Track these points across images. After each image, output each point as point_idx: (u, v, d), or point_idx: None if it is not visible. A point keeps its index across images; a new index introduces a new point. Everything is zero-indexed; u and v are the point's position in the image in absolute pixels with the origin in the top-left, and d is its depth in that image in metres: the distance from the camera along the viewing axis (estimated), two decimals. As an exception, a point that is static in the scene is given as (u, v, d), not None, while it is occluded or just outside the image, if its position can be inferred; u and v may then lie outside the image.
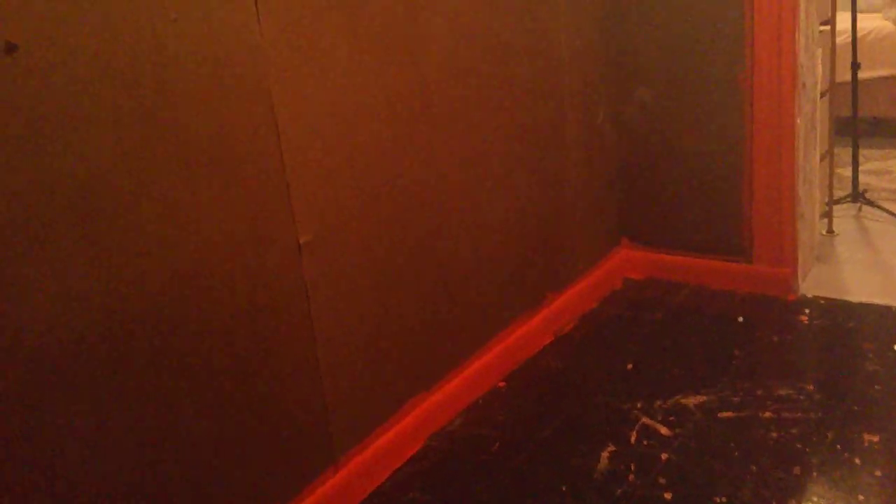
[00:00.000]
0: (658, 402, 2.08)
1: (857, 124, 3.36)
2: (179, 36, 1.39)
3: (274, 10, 1.55)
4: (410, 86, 1.91)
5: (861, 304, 2.53)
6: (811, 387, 2.09)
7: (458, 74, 2.06)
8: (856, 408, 1.98)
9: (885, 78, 4.10)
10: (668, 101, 2.73)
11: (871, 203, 3.29)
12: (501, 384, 2.27)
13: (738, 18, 2.52)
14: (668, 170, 2.80)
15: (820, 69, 2.82)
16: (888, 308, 2.48)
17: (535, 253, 2.47)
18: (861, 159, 3.51)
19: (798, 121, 2.56)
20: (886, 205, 3.30)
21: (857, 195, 3.32)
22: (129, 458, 1.37)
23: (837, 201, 3.28)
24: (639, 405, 2.08)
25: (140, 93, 1.34)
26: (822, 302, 2.58)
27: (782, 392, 2.07)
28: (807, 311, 2.53)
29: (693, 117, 2.70)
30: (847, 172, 3.47)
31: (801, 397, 2.04)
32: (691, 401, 2.07)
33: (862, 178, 3.55)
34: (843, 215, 3.27)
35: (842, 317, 2.47)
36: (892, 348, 2.25)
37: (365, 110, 1.79)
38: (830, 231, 3.11)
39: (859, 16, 4.19)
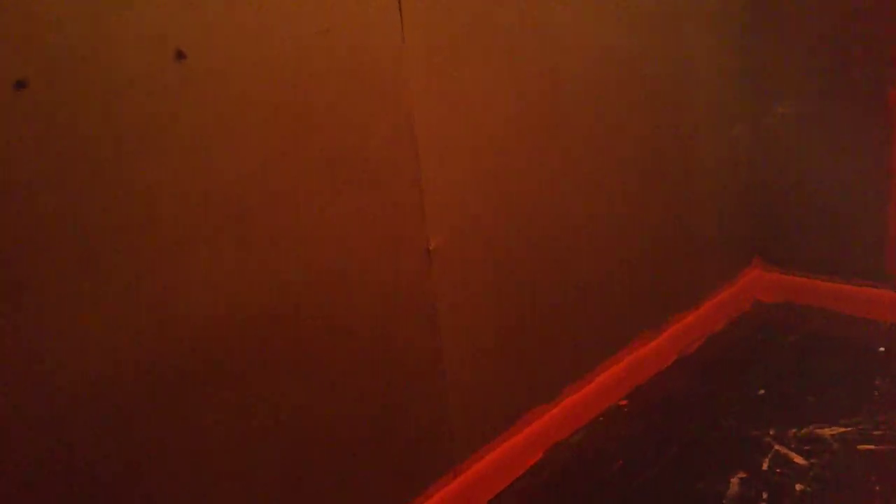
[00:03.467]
0: (792, 431, 1.99)
1: None
2: (328, 48, 1.45)
3: (417, 25, 1.60)
4: (543, 99, 1.92)
5: None
6: (964, 423, 1.95)
7: (591, 88, 2.05)
8: None
9: None
10: (810, 118, 2.61)
11: None
12: (623, 402, 2.23)
13: (889, 32, 2.39)
14: (808, 189, 2.68)
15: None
16: None
17: (662, 270, 2.42)
18: None
19: (954, 140, 2.40)
20: None
21: None
22: (264, 450, 1.43)
23: None
24: (771, 432, 1.99)
25: (289, 100, 1.41)
26: (978, 335, 2.40)
27: (930, 427, 1.94)
28: (959, 342, 2.36)
29: (836, 135, 2.57)
30: None
31: (953, 434, 1.90)
32: (828, 431, 1.97)
33: None
34: None
35: None
36: None
37: (498, 123, 1.81)
38: None
39: None
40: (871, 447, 1.89)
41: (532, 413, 2.00)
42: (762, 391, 2.20)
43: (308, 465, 1.50)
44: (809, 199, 2.68)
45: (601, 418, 2.15)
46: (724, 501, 1.75)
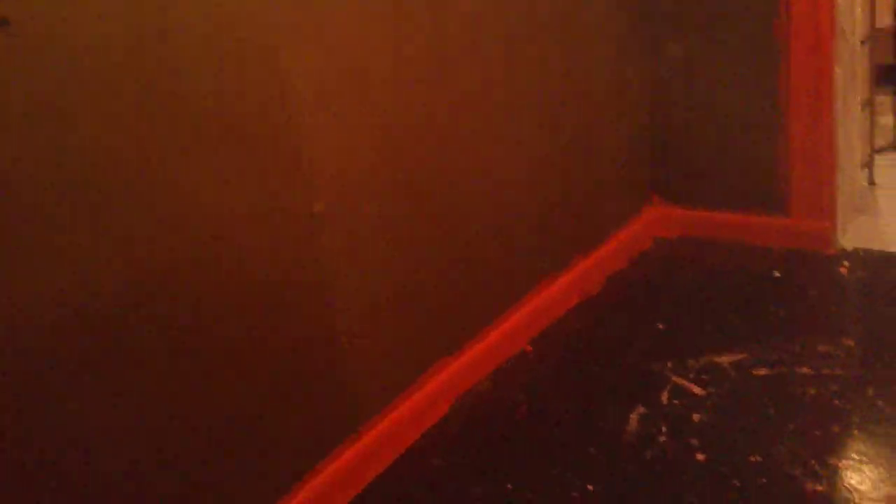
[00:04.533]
0: (690, 362, 2.02)
1: (899, 70, 3.21)
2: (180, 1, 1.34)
3: (276, -35, 1.49)
4: (429, 40, 1.85)
5: (903, 256, 2.43)
6: (851, 342, 2.01)
7: (481, 28, 1.99)
8: (898, 362, 1.90)
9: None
10: (701, 54, 2.62)
11: (913, 152, 3.15)
12: (528, 348, 2.22)
13: None
14: (701, 124, 2.71)
15: (859, 15, 2.68)
16: (934, 259, 2.38)
17: (562, 213, 2.41)
18: (905, 107, 3.36)
19: (837, 69, 2.44)
20: (932, 153, 3.16)
21: (901, 145, 3.19)
22: (151, 434, 1.35)
23: (879, 151, 3.15)
24: (669, 365, 2.01)
25: (140, 61, 1.30)
26: (863, 254, 2.48)
27: (821, 348, 1.99)
28: (846, 263, 2.43)
29: (727, 70, 2.59)
30: (889, 121, 3.32)
31: (841, 353, 1.96)
32: (725, 359, 2.01)
33: (906, 127, 3.41)
34: (885, 165, 3.13)
35: (883, 268, 2.37)
36: (938, 300, 2.15)
37: (379, 68, 1.74)
38: (872, 182, 2.98)
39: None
40: (767, 371, 1.93)
41: (436, 366, 1.97)
42: (662, 326, 2.23)
43: (197, 451, 1.43)
44: (703, 136, 2.71)
45: (507, 365, 2.14)
46: (624, 438, 1.76)
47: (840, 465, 1.59)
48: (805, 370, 1.91)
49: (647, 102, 2.75)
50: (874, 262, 2.42)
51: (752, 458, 1.64)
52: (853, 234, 2.61)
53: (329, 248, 1.65)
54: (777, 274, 2.44)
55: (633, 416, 1.83)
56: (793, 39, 2.44)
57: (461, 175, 2.00)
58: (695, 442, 1.72)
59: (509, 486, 1.65)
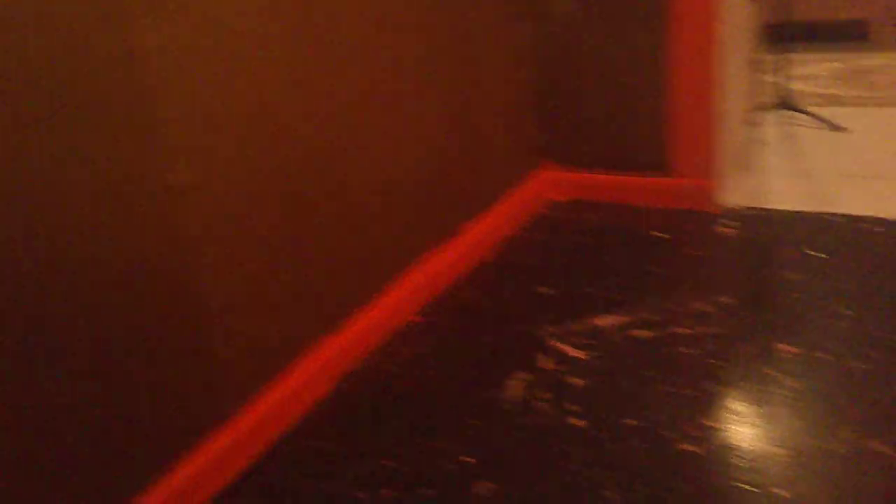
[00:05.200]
0: (573, 326, 2.01)
1: (786, 28, 3.26)
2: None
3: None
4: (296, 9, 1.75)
5: (783, 212, 2.48)
6: (729, 300, 2.04)
7: (343, -9, 1.90)
8: (773, 318, 1.94)
9: (814, -21, 4.00)
10: (589, 12, 2.60)
11: (798, 109, 3.23)
12: (418, 319, 2.18)
13: None
14: (589, 84, 2.69)
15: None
16: (808, 214, 2.44)
17: (448, 179, 2.36)
18: (792, 66, 3.43)
19: (721, 28, 2.45)
20: (813, 110, 3.24)
21: (785, 101, 3.25)
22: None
23: (764, 108, 3.21)
24: (552, 330, 2.01)
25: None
26: (745, 212, 2.53)
27: (699, 307, 2.02)
28: (727, 222, 2.47)
29: (612, 26, 2.57)
30: (775, 79, 3.39)
31: (718, 311, 1.99)
32: (606, 321, 2.01)
33: (793, 85, 3.49)
34: (770, 122, 3.20)
35: (763, 226, 2.42)
36: (810, 254, 2.20)
37: (245, 29, 1.63)
38: (756, 139, 3.04)
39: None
40: (645, 333, 1.95)
41: (319, 344, 1.91)
42: (548, 290, 2.22)
43: (49, 444, 1.34)
44: (591, 96, 2.70)
45: (394, 339, 2.09)
46: (503, 406, 1.74)
47: (714, 425, 1.61)
48: (682, 330, 1.93)
49: (539, 62, 2.71)
50: (753, 220, 2.46)
51: (630, 422, 1.65)
52: (736, 192, 2.65)
53: (192, 225, 1.56)
54: (659, 234, 2.46)
55: (514, 384, 1.81)
56: (678, -3, 2.44)
57: (338, 142, 1.92)
58: (574, 407, 1.72)
59: (387, 463, 1.61)
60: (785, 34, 3.24)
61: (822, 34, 4.13)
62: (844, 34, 4.05)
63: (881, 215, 2.36)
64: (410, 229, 2.21)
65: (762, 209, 2.53)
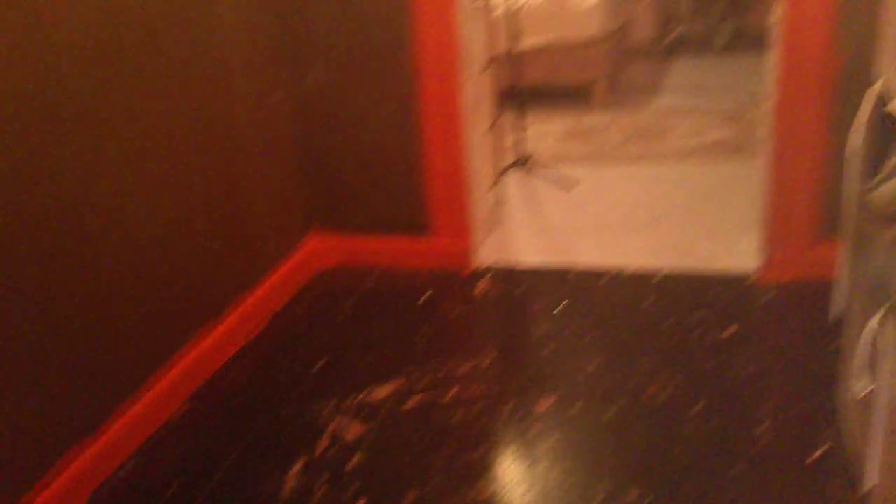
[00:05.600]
0: (349, 400, 2.03)
1: (518, 93, 3.57)
2: None
3: None
4: (30, 77, 1.61)
5: (530, 268, 2.69)
6: (490, 359, 2.17)
7: (92, 48, 1.78)
8: (531, 373, 2.09)
9: (541, 46, 4.42)
10: (345, 81, 2.66)
11: (535, 167, 3.53)
12: (183, 411, 2.07)
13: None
14: (352, 151, 2.75)
15: (480, 44, 2.92)
16: (553, 269, 2.67)
17: (210, 257, 2.28)
18: (525, 125, 3.75)
19: (463, 96, 2.62)
20: (549, 167, 3.56)
21: (523, 160, 3.55)
22: None
23: (506, 168, 3.47)
24: (329, 407, 2.01)
25: None
26: (497, 270, 2.71)
27: (464, 370, 2.12)
28: (483, 281, 2.64)
29: (369, 96, 2.66)
30: (513, 139, 3.68)
31: (481, 372, 2.11)
32: (380, 393, 2.05)
33: (527, 144, 3.81)
34: (512, 180, 3.47)
35: (514, 283, 2.61)
36: (558, 308, 2.41)
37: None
38: (501, 198, 3.28)
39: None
40: (417, 400, 2.01)
41: (72, 452, 1.74)
42: (322, 364, 2.22)
43: None
44: (355, 161, 2.76)
45: (157, 437, 1.97)
46: (282, 497, 1.71)
47: (488, 491, 1.69)
48: (451, 395, 2.01)
49: (299, 131, 2.73)
50: (506, 277, 2.65)
51: (411, 495, 1.68)
52: (489, 251, 2.84)
53: None
54: (424, 297, 2.57)
55: (292, 472, 1.78)
56: (424, 68, 2.57)
57: (77, 230, 1.79)
58: (354, 487, 1.72)
59: (160, 580, 1.51)
60: (518, 97, 3.55)
61: (551, 96, 4.57)
62: (571, 96, 4.52)
63: (611, 265, 2.64)
64: (172, 313, 2.11)
65: (513, 266, 2.72)
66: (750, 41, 5.27)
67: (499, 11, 3.48)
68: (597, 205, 3.19)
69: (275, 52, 2.60)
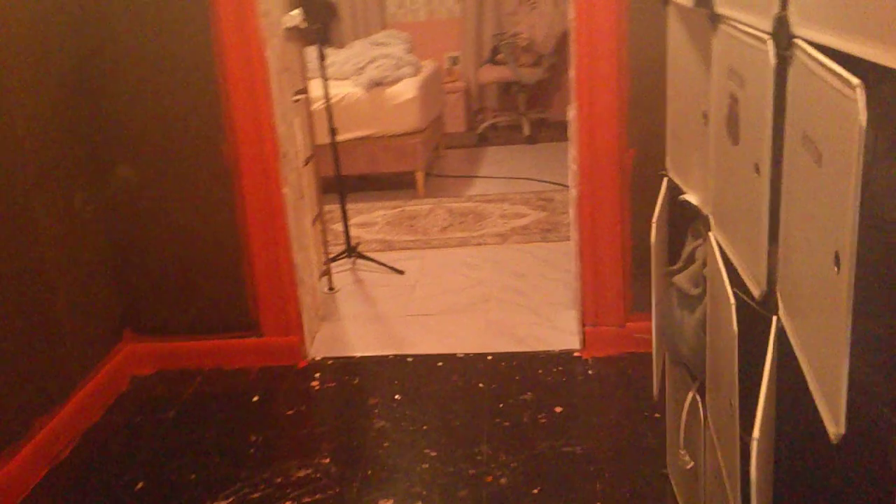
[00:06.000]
0: (175, 522, 1.88)
1: (341, 184, 3.59)
2: None
3: None
4: None
5: (364, 359, 2.67)
6: (328, 460, 2.10)
7: None
8: (370, 472, 2.04)
9: (361, 138, 4.51)
10: (157, 178, 2.56)
11: (362, 256, 3.55)
12: (-20, 550, 1.83)
13: (214, 90, 2.46)
14: (167, 250, 2.63)
15: (300, 137, 2.93)
16: (386, 358, 2.66)
17: (12, 370, 2.07)
18: (350, 214, 3.78)
19: (285, 190, 2.60)
20: (376, 255, 3.59)
21: (351, 250, 3.55)
22: None
23: (334, 258, 3.46)
24: (153, 532, 1.85)
25: None
26: (331, 363, 2.66)
27: (301, 473, 2.04)
28: (317, 375, 2.58)
29: (185, 193, 2.57)
30: (340, 228, 3.69)
31: (319, 475, 2.04)
32: (212, 509, 1.92)
33: (353, 233, 3.83)
34: (341, 270, 3.46)
35: (349, 375, 2.57)
36: (394, 398, 2.39)
37: None
38: (331, 288, 3.25)
39: (331, 83, 4.57)
40: (254, 511, 1.90)
41: None
42: (142, 484, 2.05)
43: None
44: (173, 262, 2.64)
45: (-51, 586, 1.72)
46: None
47: None
48: (289, 503, 1.92)
49: (105, 231, 2.57)
50: (340, 371, 2.61)
51: None
52: (320, 344, 2.79)
53: None
54: (254, 397, 2.46)
55: None
56: (242, 164, 2.53)
57: None
58: None
59: None
60: (341, 186, 3.58)
61: (375, 185, 4.65)
62: (394, 185, 4.63)
63: (441, 351, 2.68)
64: (-37, 443, 1.87)
65: (346, 358, 2.69)
66: (553, 129, 5.69)
67: (318, 104, 3.52)
68: (424, 290, 3.24)
69: (79, 153, 2.46)
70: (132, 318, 2.68)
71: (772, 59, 1.03)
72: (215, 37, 2.41)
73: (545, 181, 4.63)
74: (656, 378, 1.84)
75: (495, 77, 5.88)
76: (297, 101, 2.96)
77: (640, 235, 2.45)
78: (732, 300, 1.21)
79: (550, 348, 2.64)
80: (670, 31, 1.68)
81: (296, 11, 3.20)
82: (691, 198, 1.60)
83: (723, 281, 1.28)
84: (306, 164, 3.04)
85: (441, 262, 3.56)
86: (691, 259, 1.64)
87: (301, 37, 3.15)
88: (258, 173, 2.55)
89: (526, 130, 5.73)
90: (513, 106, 5.96)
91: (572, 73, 2.42)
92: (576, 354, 2.58)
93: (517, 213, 4.14)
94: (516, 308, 3.00)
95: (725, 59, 1.28)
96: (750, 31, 1.11)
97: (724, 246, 1.33)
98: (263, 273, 2.62)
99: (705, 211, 1.47)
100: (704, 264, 1.53)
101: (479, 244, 3.75)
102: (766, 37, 1.04)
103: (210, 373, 2.64)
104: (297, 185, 2.81)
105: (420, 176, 4.59)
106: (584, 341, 2.59)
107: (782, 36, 1.01)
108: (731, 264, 1.27)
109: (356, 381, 2.53)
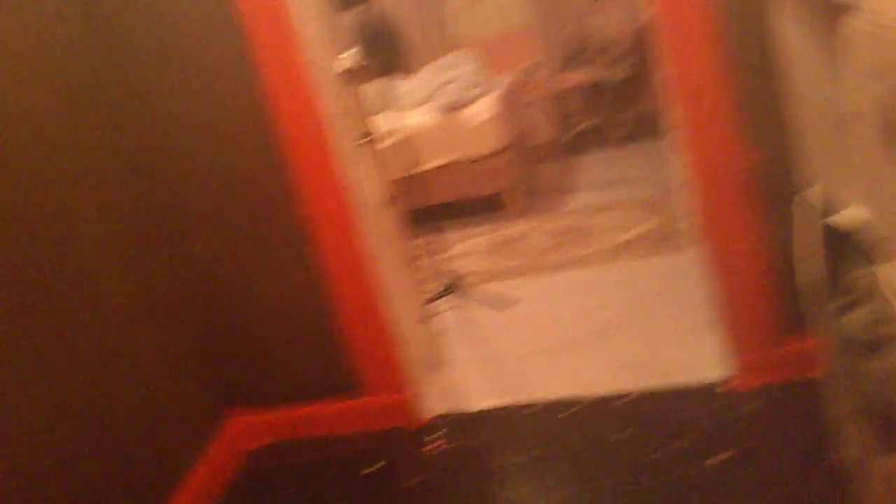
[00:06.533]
0: None
1: (431, 216, 3.36)
2: None
3: None
4: None
5: (483, 413, 2.40)
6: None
7: None
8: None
9: (445, 166, 4.27)
10: (230, 249, 2.38)
11: (466, 290, 3.29)
12: None
13: (271, 151, 2.27)
14: (257, 317, 2.45)
15: (374, 180, 2.70)
16: (507, 408, 2.38)
17: (110, 459, 1.92)
18: (445, 246, 3.55)
19: (368, 240, 2.38)
20: (480, 287, 3.34)
21: (452, 286, 3.30)
22: None
23: (436, 298, 3.22)
24: None
25: None
26: (447, 420, 2.40)
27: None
28: (433, 437, 2.32)
29: (261, 259, 2.39)
30: (435, 264, 3.44)
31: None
32: None
33: (452, 265, 3.59)
34: (446, 310, 3.21)
35: (468, 434, 2.30)
36: (524, 459, 2.11)
37: None
38: (437, 333, 3.00)
39: (406, 113, 4.36)
40: None
41: None
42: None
43: None
44: (263, 327, 2.46)
45: None
46: None
47: None
48: None
49: (192, 309, 2.41)
50: (457, 428, 2.34)
51: None
52: (434, 398, 2.53)
53: None
54: (368, 467, 2.23)
55: None
56: (317, 221, 2.33)
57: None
58: None
59: None
60: (430, 217, 3.35)
61: (467, 211, 4.39)
62: (486, 208, 4.36)
63: (571, 393, 2.38)
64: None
65: (462, 413, 2.42)
66: (648, 128, 5.31)
67: (389, 142, 3.30)
68: (537, 322, 2.95)
69: (149, 234, 2.31)
70: (239, 390, 2.50)
71: None
72: (264, 98, 2.23)
73: (648, 184, 4.27)
74: (834, 436, 1.49)
75: (577, 82, 5.55)
76: (363, 144, 2.74)
77: (780, 242, 2.10)
78: None
79: (692, 382, 2.29)
80: (779, 19, 1.36)
81: (349, 52, 3.00)
82: (849, 216, 1.26)
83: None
84: (387, 206, 2.81)
85: (550, 288, 3.27)
86: (857, 293, 1.29)
87: (359, 77, 2.94)
88: (334, 228, 2.33)
89: (616, 132, 5.38)
90: (600, 108, 5.62)
91: (666, 71, 2.09)
92: (725, 388, 2.23)
93: (623, 224, 3.80)
94: (643, 335, 2.66)
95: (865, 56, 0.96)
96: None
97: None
98: (358, 330, 2.40)
99: (880, 233, 1.14)
100: (882, 302, 1.18)
101: (590, 263, 3.43)
102: None
103: (321, 440, 2.43)
104: (379, 232, 2.58)
105: (512, 195, 4.31)
106: (735, 371, 2.24)
107: None
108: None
109: (477, 441, 2.26)
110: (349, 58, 2.85)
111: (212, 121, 2.28)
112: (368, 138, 2.78)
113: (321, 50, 2.38)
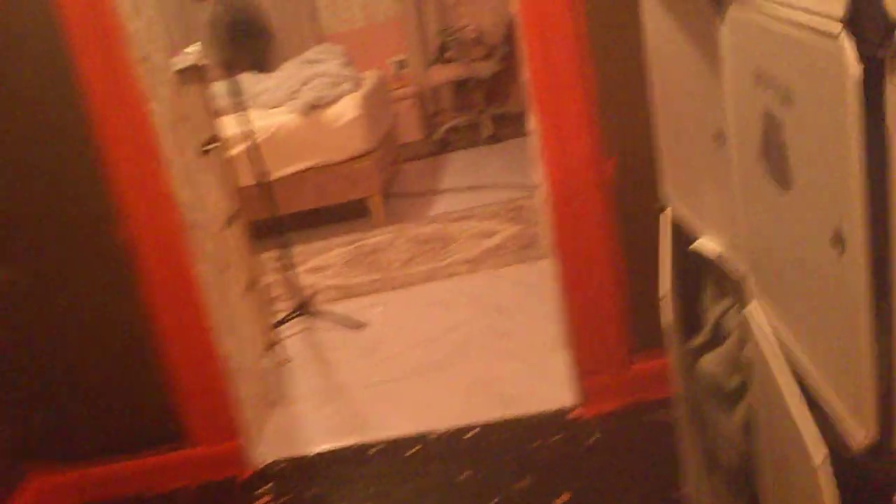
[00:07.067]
0: None
1: (281, 223, 3.11)
2: None
3: None
4: None
5: (321, 456, 2.19)
6: None
7: None
8: None
9: (305, 170, 4.01)
10: (38, 279, 2.07)
11: (317, 311, 3.07)
12: None
13: (91, 163, 1.98)
14: (69, 363, 2.15)
15: (216, 195, 2.44)
16: (348, 450, 2.19)
17: None
18: (302, 258, 3.32)
19: (201, 267, 2.13)
20: (333, 306, 3.12)
21: (303, 306, 3.07)
22: None
23: (283, 321, 2.98)
24: None
25: None
26: (282, 468, 2.18)
27: None
28: (265, 488, 2.10)
29: (75, 291, 2.09)
30: (285, 281, 3.20)
31: None
32: None
33: (306, 280, 3.37)
34: (295, 332, 2.98)
35: (304, 483, 2.09)
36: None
37: None
38: (283, 360, 2.77)
39: (263, 113, 4.08)
40: None
41: None
42: None
43: None
44: (78, 373, 2.15)
45: None
46: None
47: None
48: None
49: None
50: (293, 477, 2.13)
51: None
52: (269, 442, 2.31)
53: None
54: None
55: None
56: (143, 245, 2.05)
57: None
58: None
59: None
60: (287, 228, 3.11)
61: (327, 218, 4.15)
62: (347, 216, 4.12)
63: (416, 430, 2.21)
64: None
65: (300, 458, 2.21)
66: (516, 124, 5.22)
67: (241, 147, 3.04)
68: (390, 346, 2.77)
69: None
70: (39, 449, 2.19)
71: (850, 64, 0.58)
72: (83, 101, 1.94)
73: (510, 186, 4.16)
74: (687, 480, 1.38)
75: (447, 76, 5.40)
76: (208, 151, 2.48)
77: (634, 257, 2.00)
78: (821, 454, 0.75)
79: (545, 408, 2.17)
80: (648, 13, 1.22)
81: (191, 47, 2.71)
82: (710, 245, 1.14)
83: (786, 403, 0.82)
84: (230, 224, 2.55)
85: (407, 305, 3.09)
86: (719, 330, 1.18)
87: (205, 75, 2.66)
88: (162, 252, 2.07)
89: (487, 129, 5.27)
90: (470, 104, 5.49)
91: (526, 74, 1.95)
92: (574, 414, 2.12)
93: (486, 230, 3.67)
94: (500, 356, 2.53)
95: (747, 59, 0.82)
96: (798, 17, 0.66)
97: (779, 329, 0.88)
98: (184, 369, 2.15)
99: (740, 268, 1.01)
100: (741, 344, 1.07)
101: (448, 276, 3.28)
102: (836, 27, 0.59)
103: (139, 499, 2.16)
104: (218, 255, 2.33)
105: (376, 201, 4.11)
106: (582, 394, 2.13)
107: (872, 26, 0.55)
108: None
109: (312, 491, 2.05)
110: (191, 54, 2.57)
111: (23, 125, 1.96)
112: (214, 145, 2.52)
113: (152, 45, 2.10)
